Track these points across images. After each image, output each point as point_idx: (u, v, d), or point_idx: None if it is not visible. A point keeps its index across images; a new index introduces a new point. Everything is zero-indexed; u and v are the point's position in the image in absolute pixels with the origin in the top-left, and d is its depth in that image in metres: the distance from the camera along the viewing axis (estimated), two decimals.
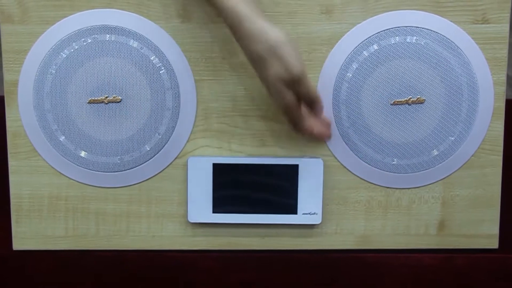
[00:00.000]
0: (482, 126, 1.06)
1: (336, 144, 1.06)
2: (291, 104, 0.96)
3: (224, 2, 0.95)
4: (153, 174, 1.07)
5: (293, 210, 1.06)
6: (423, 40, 1.04)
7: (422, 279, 1.08)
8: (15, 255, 1.08)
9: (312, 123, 1.00)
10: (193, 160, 1.05)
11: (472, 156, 1.07)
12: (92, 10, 1.03)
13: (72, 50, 1.03)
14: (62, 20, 1.03)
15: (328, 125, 1.03)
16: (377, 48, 1.04)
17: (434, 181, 1.08)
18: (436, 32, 1.04)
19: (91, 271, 1.08)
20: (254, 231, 1.08)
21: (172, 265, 1.08)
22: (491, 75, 1.05)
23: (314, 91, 0.97)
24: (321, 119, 1.02)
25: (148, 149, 1.06)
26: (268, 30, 0.94)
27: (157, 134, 1.06)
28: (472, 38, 1.04)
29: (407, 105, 1.05)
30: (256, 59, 0.95)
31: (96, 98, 1.04)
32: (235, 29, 0.95)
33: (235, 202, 1.06)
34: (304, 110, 0.99)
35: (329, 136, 1.04)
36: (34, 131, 1.05)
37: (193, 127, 1.06)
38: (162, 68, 1.04)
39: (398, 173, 1.07)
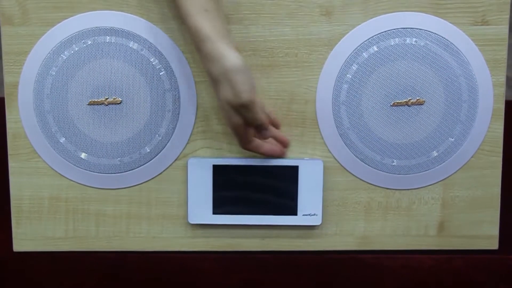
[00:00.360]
0: (481, 127, 1.06)
1: (336, 145, 1.06)
2: (237, 125, 0.98)
3: (189, 20, 0.95)
4: (153, 176, 1.07)
5: (293, 211, 1.06)
6: (423, 41, 1.04)
7: (422, 280, 1.08)
8: (15, 256, 1.08)
9: (259, 143, 1.02)
10: (193, 161, 1.05)
11: (471, 157, 1.07)
12: (92, 12, 1.03)
13: (72, 52, 1.04)
14: (62, 22, 1.03)
15: (283, 143, 1.05)
16: (376, 49, 1.04)
17: (434, 182, 1.08)
18: (436, 34, 1.04)
19: (91, 272, 1.08)
20: (254, 232, 1.08)
21: (172, 266, 1.08)
22: (491, 76, 1.05)
23: (260, 118, 0.98)
24: (276, 137, 1.04)
25: (148, 150, 1.06)
26: (226, 55, 0.94)
27: (157, 135, 1.06)
28: (472, 39, 1.04)
29: (407, 106, 1.05)
30: (212, 78, 0.97)
31: (96, 100, 1.04)
32: (197, 48, 0.96)
33: (235, 203, 1.06)
34: None
35: (279, 155, 1.05)
36: (34, 132, 1.05)
37: (193, 129, 1.06)
38: (162, 69, 1.04)
39: (398, 174, 1.07)
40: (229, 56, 0.94)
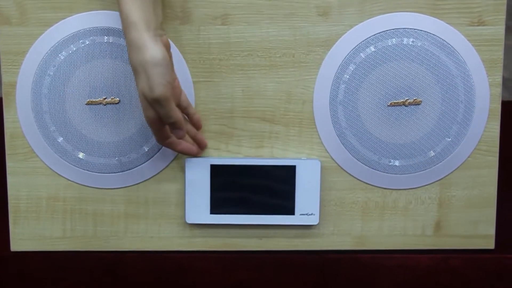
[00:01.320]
0: (478, 127, 1.07)
1: (333, 145, 1.07)
2: (151, 119, 0.97)
3: (121, 4, 0.94)
4: (151, 175, 1.07)
5: (290, 211, 1.06)
6: (420, 42, 1.04)
7: (418, 280, 1.09)
8: (13, 256, 1.08)
9: (175, 140, 1.01)
10: (191, 161, 1.06)
11: (468, 157, 1.08)
12: (90, 12, 1.03)
13: (70, 52, 1.04)
14: (60, 22, 1.03)
15: (200, 145, 1.05)
16: (374, 50, 1.04)
17: (431, 182, 1.08)
18: (433, 34, 1.04)
19: (89, 272, 1.08)
20: (251, 232, 1.09)
21: (170, 266, 1.08)
22: (487, 76, 1.06)
23: (173, 116, 0.96)
24: (195, 138, 1.04)
25: (146, 150, 1.06)
26: (148, 46, 0.93)
27: None
28: (468, 40, 1.05)
29: (403, 107, 1.05)
30: (133, 68, 0.95)
31: (94, 100, 1.04)
32: (124, 34, 0.95)
33: (233, 203, 1.06)
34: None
35: (195, 155, 1.05)
36: (32, 132, 1.05)
37: None
38: None
39: (395, 174, 1.08)
40: (150, 47, 0.93)
